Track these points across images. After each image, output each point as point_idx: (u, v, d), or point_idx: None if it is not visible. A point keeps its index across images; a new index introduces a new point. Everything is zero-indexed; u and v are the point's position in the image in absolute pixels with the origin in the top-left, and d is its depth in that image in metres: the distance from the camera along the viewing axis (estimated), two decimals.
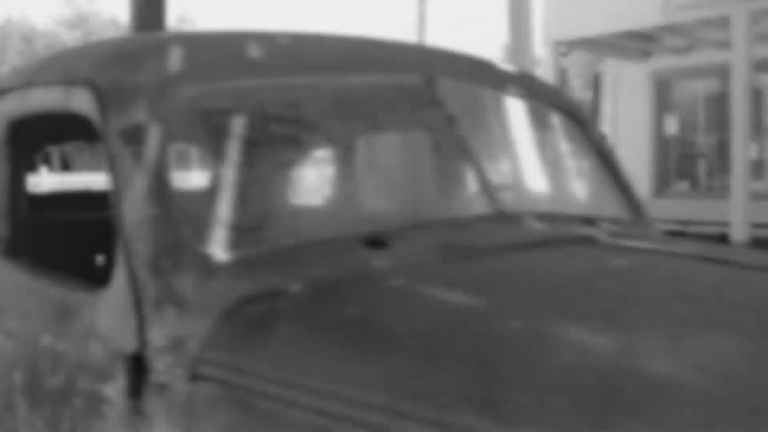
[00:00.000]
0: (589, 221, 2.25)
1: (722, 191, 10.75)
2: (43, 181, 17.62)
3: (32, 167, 3.04)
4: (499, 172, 2.27)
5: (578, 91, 34.85)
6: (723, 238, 9.84)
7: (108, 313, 1.65)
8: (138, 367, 1.53)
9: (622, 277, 1.39)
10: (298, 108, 1.91)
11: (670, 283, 1.36)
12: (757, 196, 8.25)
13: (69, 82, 1.91)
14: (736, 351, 1.00)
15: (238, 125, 1.85)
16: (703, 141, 13.03)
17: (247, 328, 1.40)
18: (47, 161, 18.79)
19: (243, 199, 1.78)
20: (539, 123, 2.63)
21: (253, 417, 1.29)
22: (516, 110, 2.50)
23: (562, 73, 15.63)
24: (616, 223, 2.34)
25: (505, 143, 2.41)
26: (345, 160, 2.01)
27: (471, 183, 2.01)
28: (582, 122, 2.71)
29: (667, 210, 12.67)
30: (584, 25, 10.83)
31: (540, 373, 1.01)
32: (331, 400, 1.17)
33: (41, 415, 1.91)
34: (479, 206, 1.96)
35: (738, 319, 1.13)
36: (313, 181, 1.89)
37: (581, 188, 2.71)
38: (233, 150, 1.82)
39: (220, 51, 1.91)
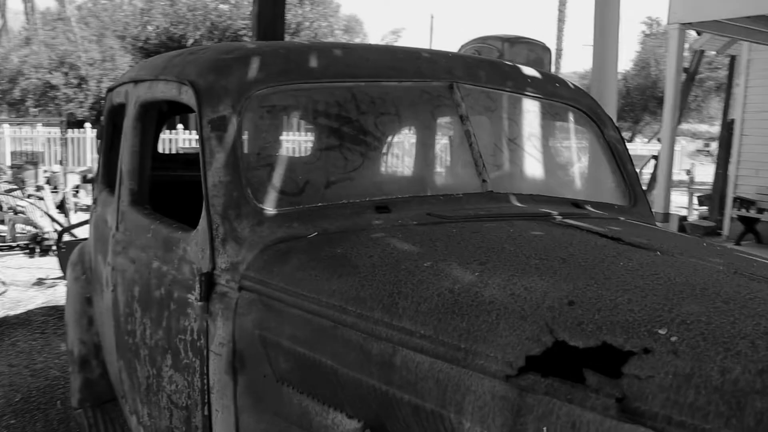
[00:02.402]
0: (577, 204, 2.75)
1: None
2: (179, 137, 19.36)
3: (155, 137, 3.81)
4: (502, 161, 2.82)
5: (721, 72, 33.07)
6: None
7: (194, 246, 2.30)
8: (210, 282, 2.18)
9: (525, 241, 1.89)
10: (340, 106, 2.53)
11: (549, 247, 1.84)
12: None
13: (181, 81, 2.50)
14: (542, 288, 1.54)
15: (293, 118, 2.50)
16: None
17: (274, 258, 2.05)
18: (184, 121, 20.27)
19: (291, 171, 2.43)
20: (554, 120, 3.13)
21: (272, 312, 1.97)
22: (532, 109, 3.00)
23: (696, 54, 15.30)
24: (604, 208, 2.81)
25: (514, 137, 2.93)
26: (374, 146, 2.62)
27: (472, 168, 2.57)
28: (600, 120, 3.18)
29: None
30: (714, 6, 10.61)
31: (424, 290, 1.63)
32: (312, 302, 1.84)
33: (149, 316, 2.59)
34: (474, 186, 2.52)
35: (563, 271, 1.63)
36: (346, 161, 2.51)
37: (588, 177, 3.19)
38: (288, 136, 2.47)
39: (286, 60, 2.46)
